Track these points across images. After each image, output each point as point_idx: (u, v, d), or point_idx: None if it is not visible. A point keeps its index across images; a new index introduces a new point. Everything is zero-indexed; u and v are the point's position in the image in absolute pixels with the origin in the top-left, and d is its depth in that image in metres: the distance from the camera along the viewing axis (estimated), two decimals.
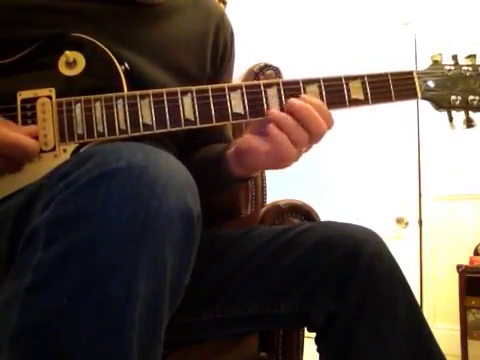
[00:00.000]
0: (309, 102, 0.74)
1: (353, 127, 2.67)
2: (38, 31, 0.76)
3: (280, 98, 0.75)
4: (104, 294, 0.45)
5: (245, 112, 0.75)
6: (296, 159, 0.75)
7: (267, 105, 0.75)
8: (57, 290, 0.45)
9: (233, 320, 0.83)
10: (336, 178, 3.23)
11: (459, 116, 0.83)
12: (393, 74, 0.79)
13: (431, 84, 0.81)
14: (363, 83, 0.78)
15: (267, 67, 1.13)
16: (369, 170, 3.14)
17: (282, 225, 1.01)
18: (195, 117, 0.73)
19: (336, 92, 0.76)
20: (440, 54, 0.83)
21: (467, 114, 0.83)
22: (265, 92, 0.75)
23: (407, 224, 3.10)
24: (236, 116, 0.75)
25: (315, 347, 0.82)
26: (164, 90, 0.73)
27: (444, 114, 0.83)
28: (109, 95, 0.72)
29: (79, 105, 0.71)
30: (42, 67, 0.75)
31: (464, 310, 2.51)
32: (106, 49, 0.75)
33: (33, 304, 0.45)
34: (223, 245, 0.87)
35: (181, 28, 0.91)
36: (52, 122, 0.71)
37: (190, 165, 0.57)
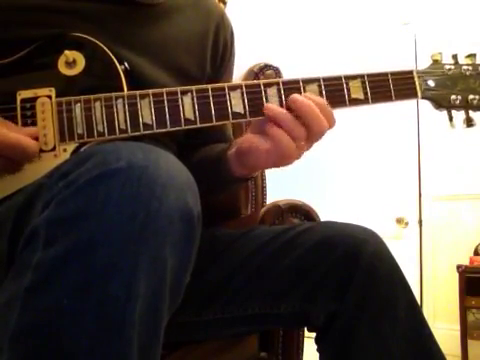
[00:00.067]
0: (311, 99, 0.73)
1: (353, 127, 2.66)
2: (38, 31, 0.76)
3: (280, 97, 0.75)
4: (104, 294, 0.45)
5: (245, 112, 0.75)
6: (297, 157, 0.75)
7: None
8: (57, 290, 0.45)
9: (233, 320, 0.83)
10: (336, 178, 3.23)
11: (459, 115, 0.83)
12: (393, 73, 0.79)
13: (431, 83, 0.81)
14: (363, 82, 0.78)
15: (267, 67, 1.13)
16: (369, 170, 3.14)
17: (282, 225, 1.01)
18: (195, 117, 0.73)
19: (336, 91, 0.76)
20: (440, 53, 0.83)
21: (467, 113, 0.83)
22: (265, 92, 0.75)
23: (407, 224, 3.10)
24: (236, 116, 0.75)
25: (315, 347, 0.82)
26: (164, 90, 0.73)
27: (444, 113, 0.83)
28: (109, 95, 0.72)
29: (79, 105, 0.71)
30: (42, 67, 0.75)
31: (464, 310, 2.51)
32: (106, 49, 0.75)
33: (33, 304, 0.45)
34: (223, 245, 0.87)
35: (181, 28, 0.91)
36: (52, 122, 0.71)
37: (190, 165, 0.57)
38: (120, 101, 0.71)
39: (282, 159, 0.75)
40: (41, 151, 0.70)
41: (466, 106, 0.83)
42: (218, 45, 0.97)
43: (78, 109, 0.71)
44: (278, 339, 1.03)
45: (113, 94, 0.72)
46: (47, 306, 0.45)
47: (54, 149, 0.70)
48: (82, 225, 0.46)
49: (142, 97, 0.72)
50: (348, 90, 0.77)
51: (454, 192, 2.98)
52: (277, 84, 0.76)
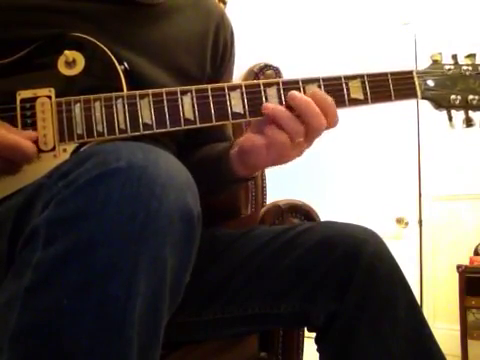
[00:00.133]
0: (314, 95, 0.73)
1: (353, 127, 2.66)
2: (38, 31, 0.76)
3: (280, 98, 0.75)
4: (104, 294, 0.45)
5: (245, 112, 0.75)
6: (298, 155, 0.75)
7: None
8: (57, 290, 0.45)
9: (233, 320, 0.83)
10: (336, 178, 3.23)
11: (459, 115, 0.83)
12: (393, 74, 0.79)
13: (431, 83, 0.81)
14: (363, 83, 0.78)
15: (267, 67, 1.13)
16: (369, 170, 3.14)
17: (282, 225, 1.01)
18: (195, 117, 0.73)
19: (336, 92, 0.76)
20: (440, 53, 0.83)
21: (467, 113, 0.83)
22: (265, 92, 0.75)
23: (407, 224, 3.10)
24: (236, 116, 0.75)
25: (315, 347, 0.82)
26: (164, 90, 0.73)
27: (444, 113, 0.83)
28: (108, 95, 0.72)
29: (78, 105, 0.71)
30: (41, 67, 0.75)
31: (464, 310, 2.51)
32: (105, 49, 0.75)
33: (33, 304, 0.45)
34: (223, 245, 0.87)
35: (181, 28, 0.91)
36: (51, 122, 0.71)
37: (190, 164, 0.57)
38: (120, 101, 0.71)
39: (282, 157, 0.75)
40: (41, 151, 0.70)
41: (466, 106, 0.83)
42: (218, 45, 0.97)
43: (78, 109, 0.71)
44: (278, 339, 1.03)
45: (113, 94, 0.72)
46: (47, 306, 0.45)
47: (54, 149, 0.70)
48: (82, 225, 0.46)
49: (142, 97, 0.72)
50: (348, 90, 0.77)
51: (454, 192, 2.98)
52: (277, 84, 0.76)
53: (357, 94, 0.78)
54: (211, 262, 0.84)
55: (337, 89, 0.77)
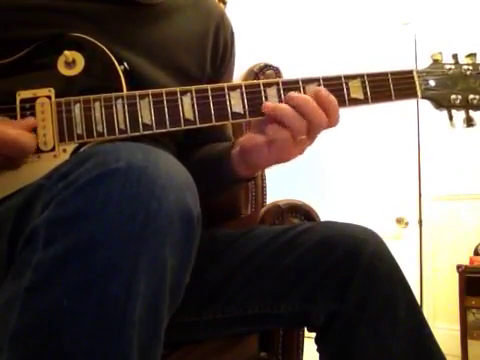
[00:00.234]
0: (315, 94, 0.73)
1: (353, 127, 2.66)
2: (38, 31, 0.76)
3: (280, 98, 0.75)
4: (104, 294, 0.45)
5: (244, 112, 0.75)
6: (300, 152, 0.75)
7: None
8: (57, 290, 0.45)
9: (233, 320, 0.83)
10: (336, 178, 3.23)
11: (459, 115, 0.83)
12: (393, 73, 0.79)
13: (431, 83, 0.81)
14: (363, 82, 0.78)
15: (267, 67, 1.13)
16: (369, 170, 3.14)
17: (282, 225, 1.01)
18: (195, 117, 0.73)
19: (336, 91, 0.76)
20: (440, 53, 0.83)
21: (467, 113, 0.83)
22: (265, 91, 0.75)
23: (407, 224, 3.10)
24: (236, 116, 0.75)
25: (315, 347, 0.82)
26: (163, 90, 0.73)
27: (444, 113, 0.83)
28: (108, 95, 0.72)
29: (78, 105, 0.71)
30: (41, 67, 0.75)
31: (464, 310, 2.51)
32: (105, 49, 0.75)
33: (33, 304, 0.45)
34: (223, 245, 0.87)
35: (181, 28, 0.91)
36: (51, 122, 0.70)
37: (190, 165, 0.57)
38: (120, 101, 0.71)
39: (284, 155, 0.75)
40: (41, 151, 0.70)
41: (466, 106, 0.83)
42: (218, 45, 0.97)
43: (77, 109, 0.71)
44: (278, 339, 1.03)
45: (113, 94, 0.72)
46: (47, 306, 0.45)
47: (53, 149, 0.70)
48: (82, 225, 0.46)
49: (142, 97, 0.72)
50: (348, 90, 0.77)
51: (454, 192, 2.98)
52: (277, 84, 0.76)
53: (357, 94, 0.78)
54: (211, 262, 0.84)
55: (337, 89, 0.77)
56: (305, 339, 1.04)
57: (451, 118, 0.83)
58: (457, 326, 2.54)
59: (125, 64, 0.77)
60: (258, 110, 0.75)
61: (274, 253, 0.82)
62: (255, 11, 3.24)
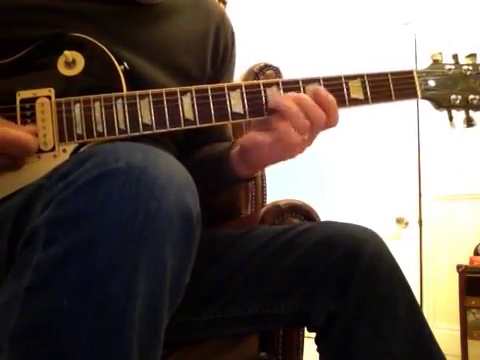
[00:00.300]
0: (314, 93, 0.73)
1: (353, 127, 2.66)
2: (38, 31, 0.76)
3: None
4: (104, 294, 0.45)
5: (245, 112, 0.75)
6: (300, 151, 0.75)
7: (267, 105, 0.75)
8: (57, 290, 0.45)
9: (233, 320, 0.83)
10: (336, 178, 3.23)
11: (459, 115, 0.83)
12: (393, 73, 0.79)
13: (431, 83, 0.81)
14: (363, 82, 0.78)
15: (267, 67, 1.13)
16: (369, 170, 3.14)
17: (282, 225, 1.01)
18: (195, 117, 0.73)
19: (336, 91, 0.76)
20: (440, 53, 0.83)
21: (467, 113, 0.83)
22: (265, 92, 0.75)
23: (407, 224, 3.10)
24: (236, 116, 0.75)
25: (315, 347, 0.82)
26: (163, 90, 0.73)
27: (444, 114, 0.83)
28: (108, 95, 0.72)
29: (78, 105, 0.71)
30: (41, 67, 0.75)
31: (464, 310, 2.51)
32: (105, 49, 0.75)
33: (33, 304, 0.45)
34: (223, 245, 0.87)
35: (181, 28, 0.91)
36: (51, 122, 0.70)
37: (190, 165, 0.57)
38: (119, 101, 0.71)
39: (285, 153, 0.75)
40: (40, 151, 0.70)
41: (466, 106, 0.83)
42: (218, 46, 0.96)
43: (77, 109, 0.71)
44: (278, 339, 1.03)
45: (113, 94, 0.72)
46: (47, 306, 0.45)
47: (53, 149, 0.70)
48: (82, 225, 0.46)
49: (142, 97, 0.72)
50: (348, 90, 0.77)
51: (454, 192, 2.98)
52: (277, 84, 0.76)
53: (357, 94, 0.78)
54: (211, 262, 0.84)
55: (337, 89, 0.77)
56: (305, 339, 1.04)
57: (451, 118, 0.83)
58: (457, 326, 2.54)
59: (125, 64, 0.77)
60: (258, 110, 0.75)
61: (274, 253, 0.82)
62: (255, 11, 3.24)
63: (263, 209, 1.10)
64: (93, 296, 0.45)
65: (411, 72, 0.80)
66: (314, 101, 0.73)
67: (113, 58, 0.76)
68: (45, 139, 0.70)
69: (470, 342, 2.49)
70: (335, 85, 0.77)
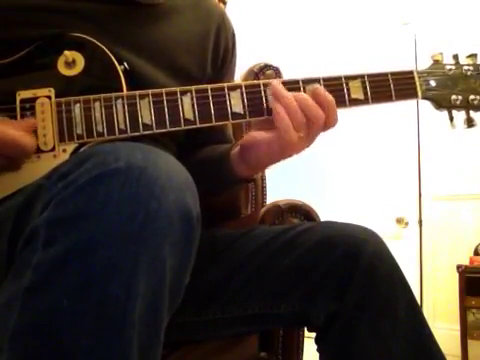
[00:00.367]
0: (313, 93, 0.74)
1: (353, 127, 2.66)
2: (38, 31, 0.76)
3: None
4: (104, 294, 0.45)
5: (244, 112, 0.75)
6: (298, 150, 0.75)
7: (267, 105, 0.75)
8: (57, 290, 0.45)
9: (233, 320, 0.83)
10: (336, 178, 3.23)
11: (460, 116, 0.83)
12: (393, 74, 0.79)
13: (431, 83, 0.81)
14: (363, 83, 0.78)
15: (267, 67, 1.13)
16: (369, 170, 3.14)
17: (282, 225, 1.01)
18: (195, 117, 0.73)
19: (336, 92, 0.76)
20: (441, 53, 0.83)
21: (468, 114, 0.83)
22: (265, 92, 0.75)
23: (407, 224, 3.10)
24: (236, 116, 0.75)
25: (315, 347, 0.82)
26: (163, 90, 0.73)
27: (444, 114, 0.83)
28: (108, 95, 0.71)
29: (78, 105, 0.71)
30: (41, 67, 0.75)
31: (464, 310, 2.51)
32: (105, 49, 0.75)
33: (33, 304, 0.45)
34: (223, 245, 0.87)
35: (181, 28, 0.91)
36: (51, 122, 0.70)
37: (190, 165, 0.57)
38: (119, 101, 0.71)
39: (284, 151, 0.75)
40: (40, 151, 0.70)
41: (467, 106, 0.83)
42: (219, 47, 0.96)
43: (77, 109, 0.71)
44: (278, 339, 1.03)
45: (113, 94, 0.72)
46: (47, 306, 0.45)
47: (53, 149, 0.70)
48: (82, 225, 0.46)
49: (141, 97, 0.72)
50: (348, 90, 0.77)
51: (454, 192, 2.98)
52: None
53: (357, 94, 0.78)
54: (211, 262, 0.84)
55: (337, 89, 0.77)
56: (305, 339, 1.04)
57: (451, 119, 0.83)
58: (457, 326, 2.54)
59: (125, 64, 0.77)
60: (258, 110, 0.75)
61: (274, 253, 0.82)
62: (255, 11, 3.24)
63: (263, 209, 1.10)
64: (93, 296, 0.45)
65: (411, 72, 0.80)
66: (313, 101, 0.73)
67: (113, 58, 0.76)
68: (45, 139, 0.70)
69: (470, 342, 2.49)
70: (335, 85, 0.77)
